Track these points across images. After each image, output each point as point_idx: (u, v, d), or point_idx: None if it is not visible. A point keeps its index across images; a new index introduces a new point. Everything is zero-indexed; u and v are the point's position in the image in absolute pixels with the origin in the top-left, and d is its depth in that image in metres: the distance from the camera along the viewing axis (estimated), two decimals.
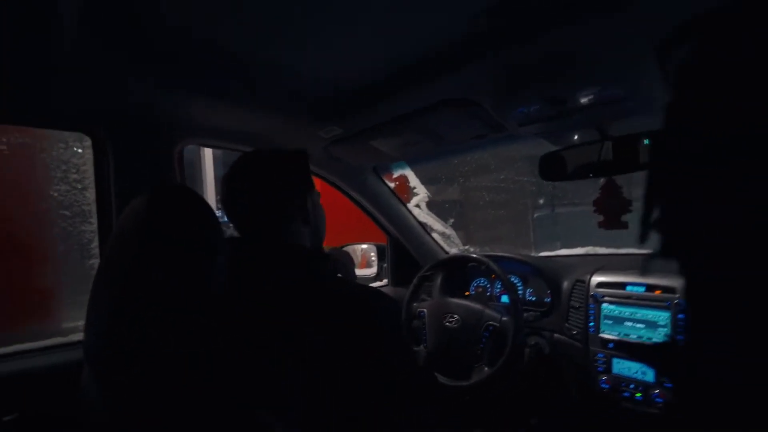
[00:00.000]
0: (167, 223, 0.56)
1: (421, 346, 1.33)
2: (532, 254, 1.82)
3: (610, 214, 0.98)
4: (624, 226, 0.96)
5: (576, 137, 1.08)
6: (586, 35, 0.64)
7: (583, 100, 0.77)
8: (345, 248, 2.00)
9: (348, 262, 0.97)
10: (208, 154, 3.06)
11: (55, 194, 1.01)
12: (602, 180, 1.05)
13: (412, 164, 1.67)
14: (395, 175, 1.93)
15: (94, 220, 0.97)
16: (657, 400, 1.03)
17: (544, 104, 0.80)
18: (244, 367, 0.56)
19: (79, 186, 1.07)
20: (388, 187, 1.55)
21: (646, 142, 0.94)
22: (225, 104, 0.94)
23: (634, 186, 1.07)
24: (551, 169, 1.12)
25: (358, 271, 1.90)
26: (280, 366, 0.57)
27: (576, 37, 0.65)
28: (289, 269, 0.64)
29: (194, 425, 0.51)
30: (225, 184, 0.72)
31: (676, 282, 1.08)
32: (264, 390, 0.56)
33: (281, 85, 0.88)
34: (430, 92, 0.88)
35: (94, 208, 0.96)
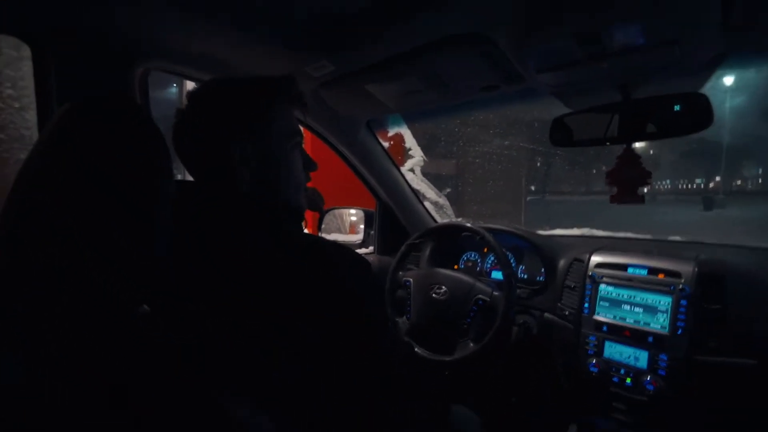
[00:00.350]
0: (89, 141, 0.43)
1: (404, 318, 1.25)
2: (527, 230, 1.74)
3: (626, 186, 0.88)
4: (641, 200, 0.86)
5: (596, 100, 0.97)
6: None
7: (621, 42, 0.65)
8: (332, 212, 1.89)
9: (318, 200, 0.85)
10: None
11: None
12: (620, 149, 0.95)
13: (409, 121, 1.54)
14: (390, 133, 1.80)
15: None
16: (648, 387, 0.97)
17: (572, 44, 0.67)
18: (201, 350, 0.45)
19: (16, 104, 0.91)
20: (382, 147, 1.42)
21: (676, 107, 0.84)
22: (199, 24, 0.79)
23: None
24: (563, 133, 1.01)
25: (344, 237, 1.80)
26: (247, 343, 0.46)
27: None
28: (244, 225, 0.54)
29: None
30: (176, 115, 0.60)
31: (681, 266, 1.01)
32: (233, 372, 0.46)
33: (266, 4, 0.74)
34: (436, 24, 0.75)
35: (35, 133, 0.81)
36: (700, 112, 0.79)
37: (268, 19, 0.79)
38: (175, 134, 0.60)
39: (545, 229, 2.06)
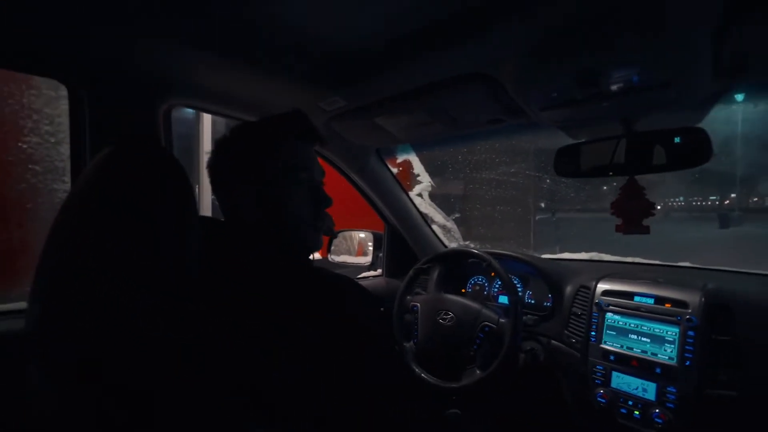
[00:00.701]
0: (126, 182, 0.47)
1: (411, 342, 1.26)
2: (533, 255, 1.74)
3: (631, 217, 0.90)
4: (646, 230, 0.88)
5: (599, 132, 1.00)
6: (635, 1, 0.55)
7: (618, 83, 0.68)
8: (341, 234, 1.92)
9: (330, 223, 0.90)
10: (207, 124, 2.92)
11: (25, 146, 0.92)
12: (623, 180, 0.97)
13: (417, 149, 1.58)
14: (399, 160, 1.84)
15: (68, 178, 0.89)
16: (657, 420, 0.96)
17: (571, 85, 0.71)
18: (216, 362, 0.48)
19: (52, 140, 0.97)
20: (391, 173, 1.46)
21: (676, 140, 0.86)
22: (218, 62, 0.85)
23: (650, 190, 0.99)
24: (568, 163, 1.03)
25: (353, 259, 1.83)
26: (254, 356, 0.49)
27: (623, 2, 0.56)
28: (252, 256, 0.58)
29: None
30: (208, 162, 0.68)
31: (688, 296, 1.01)
32: (244, 383, 0.48)
33: (281, 43, 0.79)
34: (444, 65, 0.79)
35: (68, 165, 0.87)
36: (700, 145, 0.82)
37: (283, 58, 0.84)
38: (209, 176, 0.67)
39: (555, 251, 2.06)
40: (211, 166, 0.66)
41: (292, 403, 0.49)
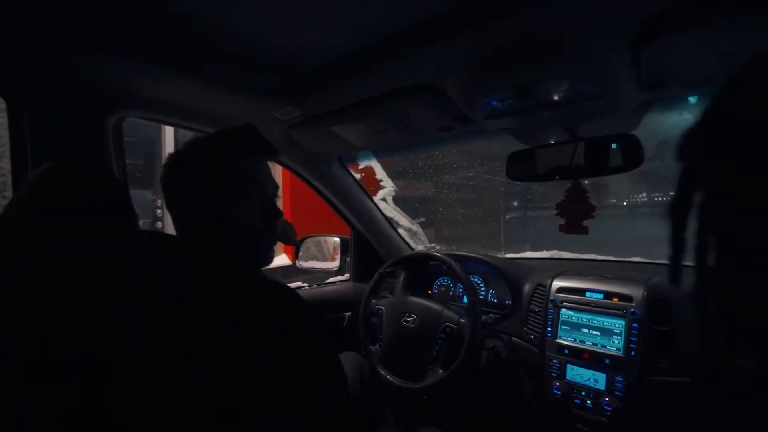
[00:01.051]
0: (59, 200, 0.47)
1: (377, 345, 1.28)
2: (501, 255, 1.80)
3: (573, 218, 0.95)
4: (585, 231, 0.93)
5: (547, 137, 1.05)
6: (559, 21, 0.59)
7: (553, 95, 0.73)
8: (309, 240, 1.92)
9: (290, 232, 0.90)
10: (169, 132, 2.84)
11: None
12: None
13: (379, 155, 1.61)
14: (361, 165, 1.86)
15: (10, 193, 0.85)
16: (606, 408, 1.02)
17: (511, 96, 0.75)
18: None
19: None
20: (354, 178, 1.48)
21: (613, 146, 0.92)
22: (168, 75, 0.84)
23: (602, 192, 1.05)
24: (519, 168, 1.08)
25: (321, 265, 1.83)
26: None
27: (549, 23, 0.60)
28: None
29: None
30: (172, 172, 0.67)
31: (633, 290, 1.07)
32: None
33: (233, 55, 0.79)
34: (394, 76, 0.82)
35: (9, 180, 0.84)
36: (633, 150, 0.87)
37: (235, 70, 0.85)
38: (162, 190, 0.67)
39: (525, 250, 2.13)
40: (163, 180, 0.66)
41: (229, 413, 0.50)
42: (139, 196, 4.30)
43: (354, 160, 1.50)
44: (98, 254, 0.48)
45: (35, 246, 0.46)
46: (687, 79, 0.70)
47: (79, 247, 0.48)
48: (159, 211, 3.99)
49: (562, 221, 0.96)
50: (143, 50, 0.75)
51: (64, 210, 0.48)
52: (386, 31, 0.70)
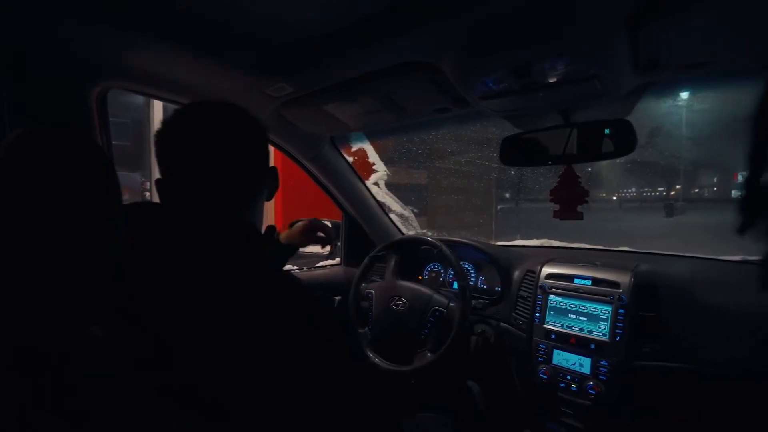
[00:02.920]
0: (35, 168, 0.45)
1: (366, 328, 1.28)
2: (490, 242, 1.81)
3: (566, 204, 0.95)
4: (579, 216, 0.93)
5: (541, 122, 1.04)
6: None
7: (550, 75, 0.71)
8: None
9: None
10: (158, 114, 2.76)
11: None
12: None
13: (372, 137, 1.59)
14: (354, 148, 1.84)
15: None
16: (590, 391, 1.04)
17: (508, 76, 0.74)
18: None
19: None
20: (346, 161, 1.46)
21: (606, 131, 0.92)
22: (155, 45, 0.80)
23: (593, 186, 1.06)
24: (512, 153, 1.07)
25: (312, 248, 1.82)
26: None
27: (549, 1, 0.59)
28: (238, 253, 0.54)
29: None
30: (165, 138, 0.58)
31: (620, 277, 1.09)
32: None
33: (219, 24, 0.76)
34: (388, 52, 0.79)
35: None
36: (626, 136, 0.87)
37: (224, 43, 0.81)
38: (164, 158, 0.59)
39: (516, 239, 2.14)
40: (181, 154, 0.57)
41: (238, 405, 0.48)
42: (127, 178, 4.21)
43: (347, 142, 1.48)
44: (78, 227, 0.47)
45: (5, 219, 0.44)
46: (682, 61, 0.69)
47: (56, 220, 0.46)
48: (147, 194, 3.91)
49: (557, 207, 0.96)
50: (125, 18, 0.71)
51: (40, 179, 0.46)
52: (379, 4, 0.68)
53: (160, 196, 0.59)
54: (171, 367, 0.46)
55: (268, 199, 0.67)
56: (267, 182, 0.64)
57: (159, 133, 0.58)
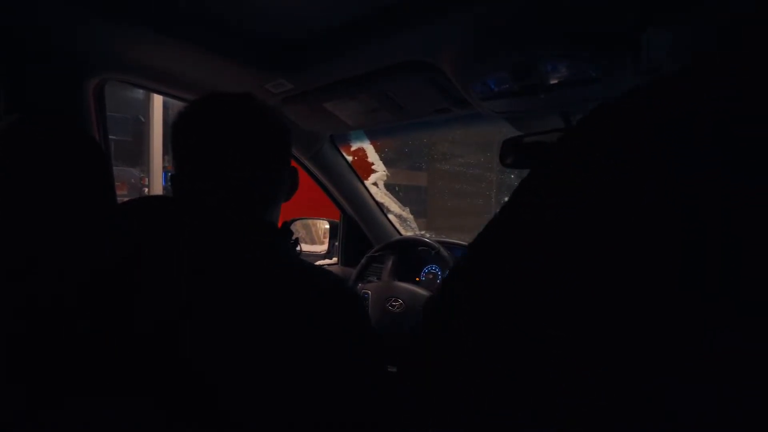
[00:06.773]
0: (27, 156, 0.44)
1: None
2: None
3: None
4: None
5: (542, 125, 1.03)
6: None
7: (551, 77, 0.71)
8: (298, 222, 1.90)
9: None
10: (158, 110, 2.75)
11: None
12: None
13: (372, 136, 1.58)
14: (353, 147, 1.83)
15: None
16: None
17: (509, 76, 0.73)
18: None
19: None
20: (345, 160, 1.45)
21: None
22: (155, 38, 0.80)
23: None
24: (512, 155, 1.06)
25: (308, 248, 1.81)
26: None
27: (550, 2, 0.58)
28: (256, 251, 0.50)
29: None
30: (183, 132, 0.55)
31: None
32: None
33: (220, 19, 0.76)
34: (389, 50, 0.79)
35: None
36: None
37: (224, 37, 0.81)
38: (181, 151, 0.56)
39: None
40: (205, 147, 0.53)
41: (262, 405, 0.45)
42: (126, 173, 4.19)
43: (346, 141, 1.48)
44: (68, 215, 0.46)
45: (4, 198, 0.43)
46: (684, 64, 0.69)
47: (46, 208, 0.45)
48: (146, 189, 3.91)
49: None
50: (125, 10, 0.71)
51: (31, 166, 0.45)
52: (380, 1, 0.68)
53: (175, 192, 0.56)
54: (177, 370, 0.44)
55: (286, 199, 0.63)
56: (287, 182, 0.61)
57: (176, 125, 0.55)
